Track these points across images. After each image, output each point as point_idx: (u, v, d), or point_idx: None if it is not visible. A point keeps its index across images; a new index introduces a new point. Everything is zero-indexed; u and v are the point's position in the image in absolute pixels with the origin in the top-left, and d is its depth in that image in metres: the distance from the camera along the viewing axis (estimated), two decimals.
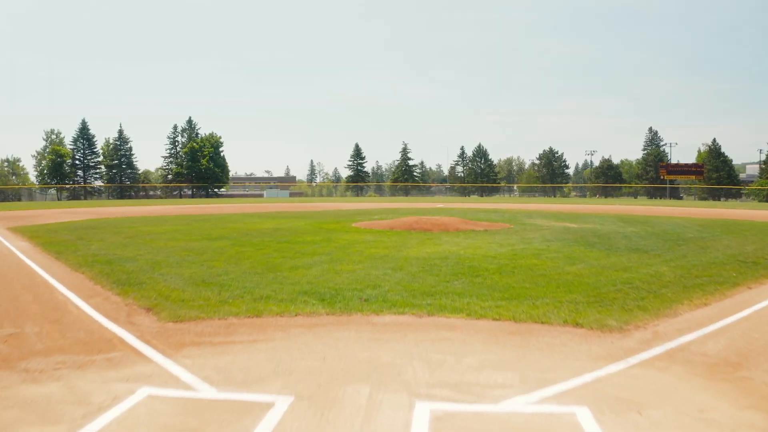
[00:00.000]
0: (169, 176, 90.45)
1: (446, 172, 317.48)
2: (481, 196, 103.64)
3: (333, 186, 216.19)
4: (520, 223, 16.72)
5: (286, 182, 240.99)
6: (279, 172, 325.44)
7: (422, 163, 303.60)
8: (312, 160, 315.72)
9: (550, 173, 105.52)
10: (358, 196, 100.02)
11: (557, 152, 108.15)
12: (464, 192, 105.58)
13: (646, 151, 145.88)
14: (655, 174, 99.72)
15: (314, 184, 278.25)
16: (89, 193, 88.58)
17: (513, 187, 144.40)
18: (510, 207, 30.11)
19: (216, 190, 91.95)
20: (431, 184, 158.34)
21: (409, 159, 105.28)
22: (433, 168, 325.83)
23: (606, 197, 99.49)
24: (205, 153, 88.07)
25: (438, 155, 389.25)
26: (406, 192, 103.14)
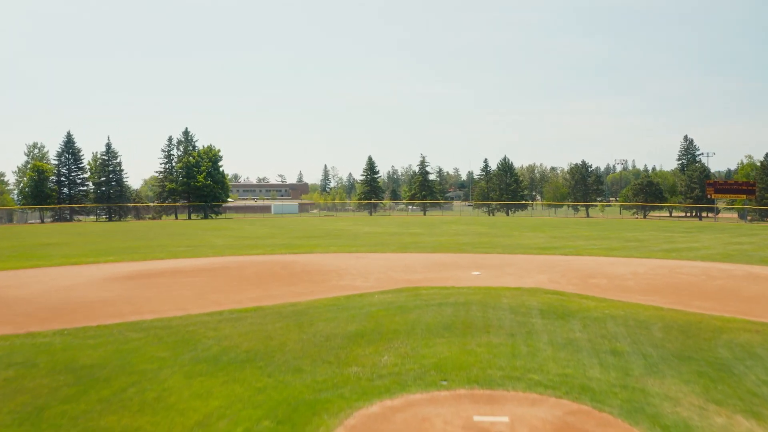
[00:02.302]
0: (164, 194, 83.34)
1: (464, 176, 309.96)
2: (507, 214, 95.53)
3: (346, 196, 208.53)
4: (651, 405, 8.86)
5: (297, 189, 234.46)
6: (292, 177, 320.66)
7: (440, 169, 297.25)
8: (326, 165, 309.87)
9: (583, 189, 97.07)
10: (371, 215, 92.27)
11: (590, 166, 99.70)
12: (489, 209, 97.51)
13: (681, 162, 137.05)
14: (701, 192, 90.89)
15: (327, 191, 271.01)
16: (76, 213, 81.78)
17: (536, 199, 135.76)
18: (570, 265, 21.99)
19: (215, 208, 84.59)
20: (451, 202, 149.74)
21: (428, 173, 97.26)
22: (451, 172, 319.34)
23: (645, 217, 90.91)
24: (202, 168, 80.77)
25: (452, 156, 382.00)
26: (424, 209, 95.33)
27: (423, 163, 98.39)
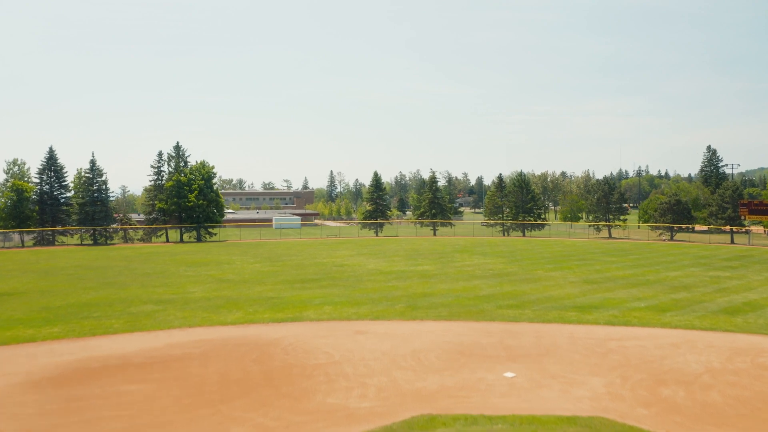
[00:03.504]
0: (153, 214, 78.31)
1: (473, 181, 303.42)
2: (523, 234, 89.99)
3: (352, 205, 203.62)
4: None
5: (302, 198, 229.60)
6: (298, 182, 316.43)
7: (448, 174, 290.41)
8: (331, 171, 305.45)
9: (605, 207, 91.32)
10: (377, 235, 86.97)
11: (614, 183, 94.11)
12: (503, 228, 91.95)
13: (704, 173, 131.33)
14: (734, 212, 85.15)
15: (333, 198, 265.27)
16: (61, 234, 76.90)
17: (550, 208, 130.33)
18: (626, 354, 17.07)
19: (209, 229, 79.37)
20: (462, 214, 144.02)
21: (438, 189, 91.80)
22: (459, 177, 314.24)
23: (672, 238, 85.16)
24: (193, 187, 75.64)
25: (461, 157, 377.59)
26: (434, 228, 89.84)
27: (433, 180, 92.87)
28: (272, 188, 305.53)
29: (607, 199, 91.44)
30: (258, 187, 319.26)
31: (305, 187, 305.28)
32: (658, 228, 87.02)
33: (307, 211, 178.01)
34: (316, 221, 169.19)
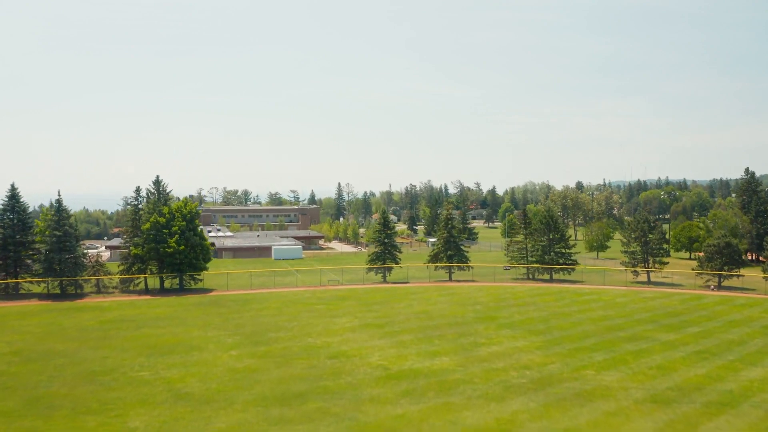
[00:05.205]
0: (129, 259, 69.76)
1: (485, 191, 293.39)
2: (551, 277, 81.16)
3: (359, 224, 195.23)
4: None
5: (307, 215, 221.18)
6: (305, 191, 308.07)
7: (460, 183, 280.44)
8: (339, 183, 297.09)
9: (644, 244, 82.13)
10: (385, 281, 78.24)
11: (653, 222, 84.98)
12: (528, 272, 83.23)
13: (742, 198, 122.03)
14: None
15: (340, 220, 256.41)
16: (28, 284, 68.71)
17: (570, 230, 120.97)
18: None
19: (195, 276, 70.84)
20: (479, 248, 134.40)
21: (453, 228, 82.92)
22: (472, 187, 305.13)
23: (719, 285, 75.98)
24: (173, 230, 67.05)
25: (463, 160, 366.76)
26: (450, 272, 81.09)
27: (449, 217, 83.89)
28: (278, 199, 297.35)
29: (645, 237, 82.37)
30: (264, 197, 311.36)
31: (312, 200, 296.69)
32: (703, 274, 77.78)
33: (312, 233, 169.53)
34: (321, 243, 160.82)
